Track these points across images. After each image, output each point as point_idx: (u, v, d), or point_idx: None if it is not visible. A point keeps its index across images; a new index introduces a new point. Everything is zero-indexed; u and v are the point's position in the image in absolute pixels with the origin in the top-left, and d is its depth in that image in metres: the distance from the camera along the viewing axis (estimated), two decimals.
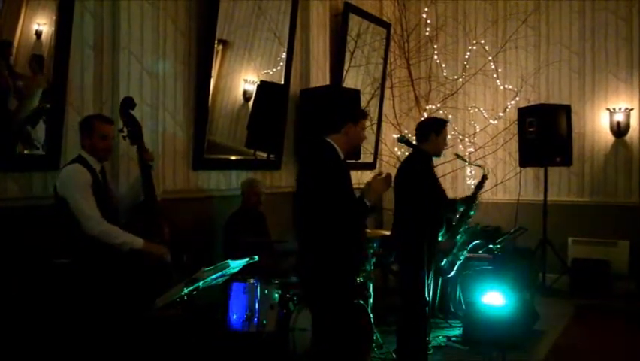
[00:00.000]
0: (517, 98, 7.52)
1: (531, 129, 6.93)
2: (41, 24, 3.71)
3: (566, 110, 7.10)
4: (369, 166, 7.35)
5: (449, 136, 5.08)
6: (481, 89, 7.87)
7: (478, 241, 5.70)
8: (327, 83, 6.40)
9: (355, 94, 6.22)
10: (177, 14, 4.74)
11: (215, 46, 4.98)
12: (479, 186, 4.92)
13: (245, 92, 5.42)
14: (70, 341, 3.23)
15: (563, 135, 7.00)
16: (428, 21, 7.81)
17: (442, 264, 4.62)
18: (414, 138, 4.67)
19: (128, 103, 3.70)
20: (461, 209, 4.73)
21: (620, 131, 7.18)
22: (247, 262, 3.27)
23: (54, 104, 3.77)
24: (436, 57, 7.81)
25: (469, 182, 7.47)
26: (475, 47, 7.71)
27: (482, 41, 7.69)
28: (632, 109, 7.14)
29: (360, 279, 4.58)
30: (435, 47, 7.82)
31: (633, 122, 7.15)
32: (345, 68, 6.71)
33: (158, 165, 4.32)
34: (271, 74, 5.68)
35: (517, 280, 5.48)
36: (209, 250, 4.81)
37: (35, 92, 3.71)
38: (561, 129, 7.00)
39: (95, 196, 3.35)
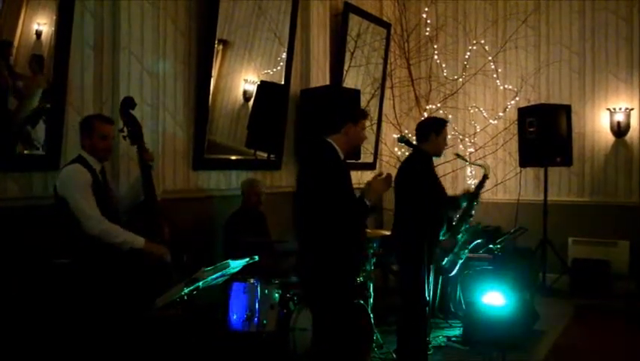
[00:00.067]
0: (517, 98, 7.52)
1: (531, 129, 6.93)
2: (41, 24, 3.71)
3: (566, 110, 7.10)
4: (370, 166, 7.35)
5: (449, 136, 5.08)
6: (481, 89, 7.87)
7: (479, 241, 5.70)
8: (327, 83, 6.40)
9: (355, 94, 6.22)
10: (177, 14, 4.74)
11: (216, 46, 4.98)
12: (480, 185, 4.93)
13: (245, 92, 5.42)
14: (71, 340, 3.23)
15: (563, 135, 7.00)
16: (428, 21, 7.81)
17: (444, 263, 4.63)
18: (414, 137, 4.67)
19: (128, 103, 3.70)
20: (464, 204, 4.72)
21: (620, 131, 7.18)
22: (247, 262, 3.27)
23: (54, 104, 3.76)
24: (436, 57, 7.81)
25: (469, 182, 7.46)
26: (475, 47, 7.71)
27: (482, 41, 7.69)
28: (632, 109, 7.14)
29: (360, 279, 4.58)
30: (435, 46, 7.82)
31: (633, 122, 7.15)
32: (346, 68, 6.71)
33: (158, 165, 4.32)
34: (271, 74, 5.68)
35: (517, 280, 5.47)
36: (209, 250, 4.81)
37: (35, 92, 3.70)
38: (561, 129, 7.00)
39: (95, 196, 3.35)
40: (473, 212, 4.79)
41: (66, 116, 3.86)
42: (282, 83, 5.78)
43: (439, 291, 5.46)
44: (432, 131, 4.45)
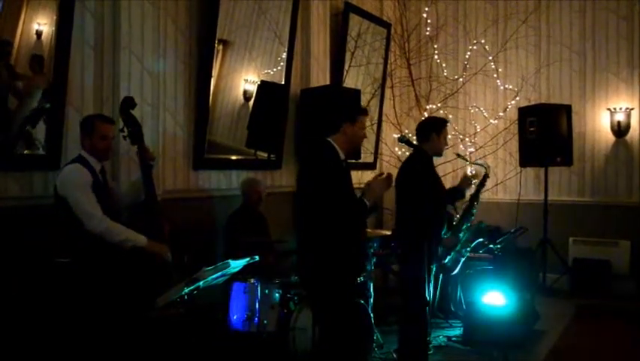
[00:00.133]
0: (517, 98, 7.52)
1: (531, 129, 6.93)
2: (42, 24, 3.71)
3: (567, 109, 7.10)
4: (370, 166, 7.35)
5: (450, 136, 5.09)
6: (482, 88, 7.87)
7: (481, 239, 5.70)
8: (328, 83, 6.40)
9: (356, 93, 6.22)
10: (178, 14, 4.74)
11: (216, 46, 4.98)
12: (481, 184, 4.94)
13: (245, 92, 5.41)
14: (71, 340, 3.23)
15: (564, 135, 7.00)
16: (429, 21, 7.80)
17: (446, 261, 4.63)
18: (414, 137, 4.67)
19: (129, 103, 3.70)
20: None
21: (620, 131, 7.18)
22: (248, 261, 3.27)
23: (54, 104, 3.76)
24: (436, 57, 7.81)
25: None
26: (475, 47, 7.71)
27: (483, 41, 7.69)
28: (632, 109, 7.14)
29: (360, 279, 4.58)
30: (435, 46, 7.82)
31: (634, 122, 7.14)
32: (346, 67, 6.71)
33: (158, 164, 4.32)
34: (272, 73, 5.68)
35: (517, 280, 5.48)
36: (209, 249, 4.81)
37: (35, 92, 3.71)
38: (561, 129, 7.00)
39: (95, 196, 3.35)
40: (474, 211, 4.80)
41: (66, 116, 3.86)
42: (283, 82, 5.78)
43: (439, 291, 5.46)
44: (432, 131, 4.45)
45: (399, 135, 5.99)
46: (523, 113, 7.10)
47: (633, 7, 7.13)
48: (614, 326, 5.88)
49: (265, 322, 4.09)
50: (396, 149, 7.64)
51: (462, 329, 5.28)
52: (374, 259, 4.92)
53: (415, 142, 4.48)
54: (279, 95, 5.74)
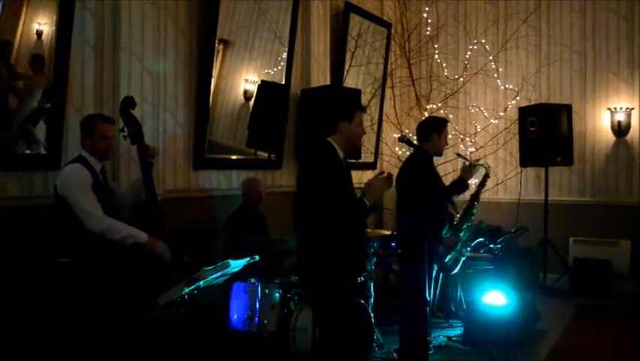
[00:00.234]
0: (517, 98, 7.51)
1: (532, 129, 6.93)
2: (42, 24, 3.71)
3: (567, 109, 7.09)
4: (370, 166, 7.35)
5: (450, 136, 5.09)
6: (482, 88, 7.87)
7: (481, 239, 5.70)
8: (328, 83, 6.40)
9: (356, 93, 6.22)
10: (178, 14, 4.74)
11: (216, 45, 4.98)
12: (481, 184, 4.94)
13: (245, 92, 5.41)
14: (72, 339, 3.23)
15: (564, 135, 7.00)
16: (429, 20, 7.80)
17: (446, 260, 4.62)
18: (415, 137, 4.67)
19: (129, 103, 3.70)
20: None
21: (620, 130, 7.18)
22: (248, 261, 3.27)
23: (54, 104, 3.77)
24: (436, 57, 7.81)
25: (470, 181, 7.44)
26: (475, 47, 7.70)
27: (483, 41, 7.69)
28: (632, 108, 7.13)
29: (361, 278, 4.57)
30: (436, 46, 7.82)
31: (634, 122, 7.14)
32: (346, 67, 6.71)
33: (158, 164, 4.32)
34: (272, 73, 5.68)
35: (518, 279, 5.47)
36: (209, 249, 4.81)
37: (36, 92, 3.71)
38: (562, 129, 6.99)
39: (95, 195, 3.35)
40: (475, 210, 4.80)
41: (66, 116, 3.86)
42: (283, 82, 5.78)
43: (439, 291, 5.46)
44: (433, 130, 4.45)
45: (399, 135, 5.98)
46: (524, 113, 7.10)
47: (633, 7, 7.13)
48: (615, 326, 5.88)
49: (265, 322, 4.09)
50: (397, 149, 7.64)
51: (462, 328, 5.27)
52: (374, 259, 4.91)
53: (415, 142, 4.48)
54: (280, 95, 5.74)
